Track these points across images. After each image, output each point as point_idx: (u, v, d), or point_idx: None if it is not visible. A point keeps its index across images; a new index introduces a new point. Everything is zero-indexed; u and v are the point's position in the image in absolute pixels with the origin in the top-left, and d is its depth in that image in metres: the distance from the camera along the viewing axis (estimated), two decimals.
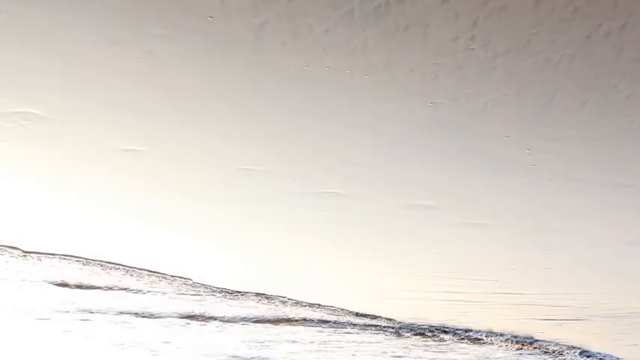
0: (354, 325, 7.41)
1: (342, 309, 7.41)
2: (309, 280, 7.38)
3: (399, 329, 7.38)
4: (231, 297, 7.31)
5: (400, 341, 7.32)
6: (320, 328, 7.36)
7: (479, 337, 7.36)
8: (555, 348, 7.29)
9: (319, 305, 7.39)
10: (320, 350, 7.27)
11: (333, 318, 7.40)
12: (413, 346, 7.33)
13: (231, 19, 5.83)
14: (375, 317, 7.43)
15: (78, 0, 5.78)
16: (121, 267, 7.19)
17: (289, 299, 7.37)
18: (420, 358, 7.33)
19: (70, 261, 7.13)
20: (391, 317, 7.43)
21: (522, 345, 7.32)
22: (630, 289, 7.32)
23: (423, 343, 7.36)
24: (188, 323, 7.24)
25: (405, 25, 5.79)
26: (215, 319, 7.27)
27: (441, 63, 6.01)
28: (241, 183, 6.76)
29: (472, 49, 5.90)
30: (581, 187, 6.77)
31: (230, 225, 7.05)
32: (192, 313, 7.26)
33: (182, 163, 6.68)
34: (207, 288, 7.30)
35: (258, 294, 7.34)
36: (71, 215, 7.00)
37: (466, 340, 7.36)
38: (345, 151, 6.64)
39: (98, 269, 7.17)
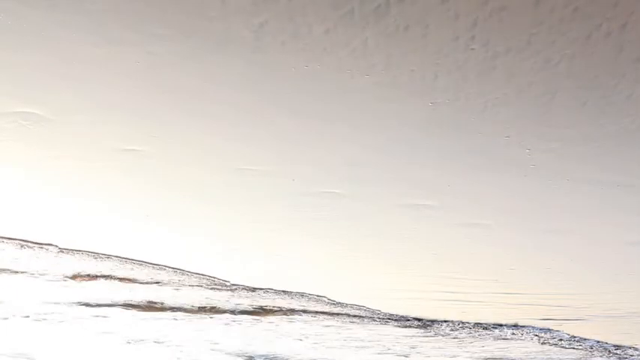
0: (357, 317, 7.42)
1: (345, 304, 7.42)
2: (309, 278, 7.38)
3: (425, 323, 7.39)
4: (237, 291, 7.33)
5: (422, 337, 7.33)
6: (321, 321, 7.37)
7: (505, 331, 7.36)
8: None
9: (320, 298, 7.40)
10: (318, 343, 7.29)
11: (335, 310, 7.41)
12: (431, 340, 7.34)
13: (231, 19, 5.83)
14: (383, 314, 7.44)
15: (78, 0, 5.78)
16: (130, 261, 7.21)
17: (292, 293, 7.39)
18: (429, 355, 7.33)
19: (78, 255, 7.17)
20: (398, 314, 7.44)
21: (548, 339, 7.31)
22: (630, 289, 7.32)
23: (434, 337, 7.37)
24: (199, 317, 7.26)
25: (405, 25, 5.79)
26: (224, 312, 7.29)
27: (441, 63, 6.01)
28: (241, 183, 6.76)
29: (472, 49, 5.90)
30: (581, 187, 6.77)
31: (230, 225, 7.05)
32: (202, 306, 7.29)
33: (182, 163, 6.68)
34: (216, 283, 7.32)
35: (265, 289, 7.36)
36: (71, 214, 7.00)
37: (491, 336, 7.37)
38: (345, 151, 6.64)
39: (105, 262, 7.20)
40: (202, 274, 7.34)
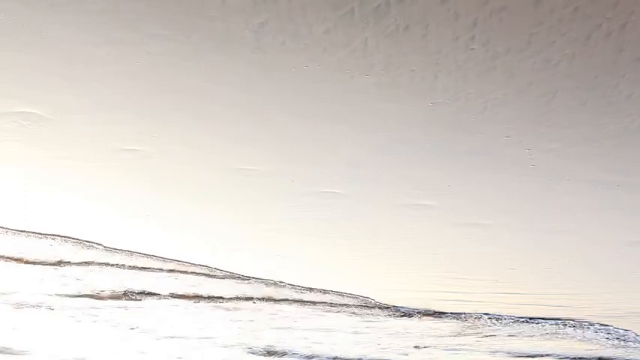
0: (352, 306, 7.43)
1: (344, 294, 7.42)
2: (309, 278, 7.38)
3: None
4: (237, 282, 7.33)
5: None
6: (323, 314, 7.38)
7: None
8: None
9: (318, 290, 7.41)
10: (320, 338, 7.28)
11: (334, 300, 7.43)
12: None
13: (231, 19, 5.83)
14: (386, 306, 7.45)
15: (78, 0, 5.78)
16: (128, 252, 7.23)
17: (291, 285, 7.39)
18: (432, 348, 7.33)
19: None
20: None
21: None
22: (630, 289, 7.32)
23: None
24: (197, 308, 7.27)
25: (405, 25, 5.79)
26: (224, 302, 7.29)
27: (441, 63, 6.01)
28: (241, 183, 6.76)
29: (472, 49, 5.90)
30: (581, 187, 6.77)
31: (230, 225, 7.05)
32: (200, 296, 7.30)
33: (182, 163, 6.68)
34: (216, 274, 7.32)
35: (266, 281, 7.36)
36: (71, 214, 7.01)
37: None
38: (345, 151, 6.64)
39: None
40: (203, 265, 7.33)
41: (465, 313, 7.43)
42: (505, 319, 7.42)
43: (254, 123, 6.47)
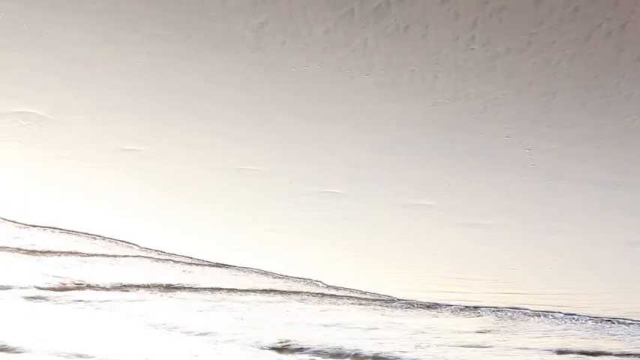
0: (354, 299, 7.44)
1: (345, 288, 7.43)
2: (309, 278, 7.39)
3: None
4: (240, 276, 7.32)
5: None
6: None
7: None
8: None
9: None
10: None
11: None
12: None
13: (231, 19, 5.83)
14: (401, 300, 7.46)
15: (78, 0, 5.79)
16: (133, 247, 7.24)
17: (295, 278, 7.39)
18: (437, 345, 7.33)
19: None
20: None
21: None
22: (630, 289, 7.32)
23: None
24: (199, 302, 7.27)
25: (405, 25, 5.79)
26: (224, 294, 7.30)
27: (441, 63, 6.01)
28: (241, 183, 6.77)
29: (472, 49, 5.90)
30: (581, 187, 6.77)
31: (230, 225, 7.05)
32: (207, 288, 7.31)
33: (182, 163, 6.68)
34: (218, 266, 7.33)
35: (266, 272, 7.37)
36: (71, 214, 7.01)
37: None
38: (345, 151, 6.64)
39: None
40: (211, 262, 7.33)
41: (477, 308, 7.41)
42: (537, 314, 7.39)
43: (254, 123, 6.47)
